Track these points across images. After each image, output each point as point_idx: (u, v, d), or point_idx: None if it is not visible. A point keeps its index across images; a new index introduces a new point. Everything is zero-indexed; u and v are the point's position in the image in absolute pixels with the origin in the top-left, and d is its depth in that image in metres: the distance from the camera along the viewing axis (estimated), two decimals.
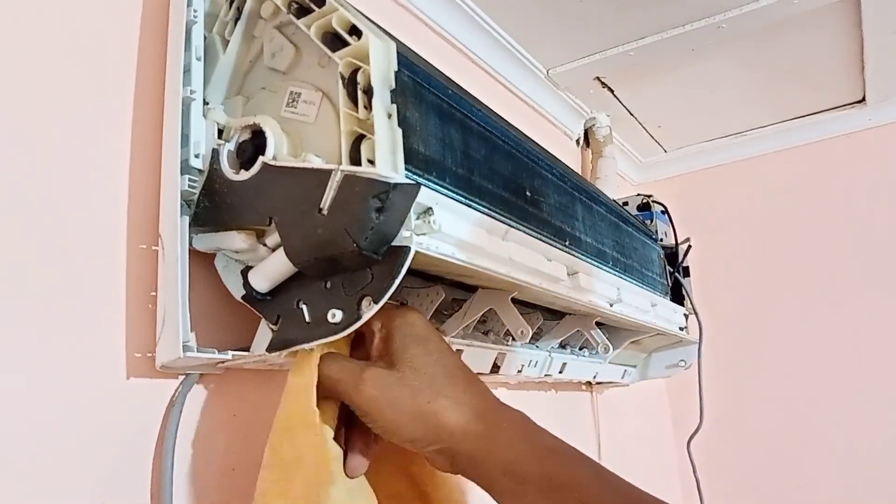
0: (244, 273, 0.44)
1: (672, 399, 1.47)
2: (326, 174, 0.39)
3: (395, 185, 0.37)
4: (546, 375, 0.77)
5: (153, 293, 0.44)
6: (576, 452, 0.40)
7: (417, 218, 0.41)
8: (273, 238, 0.43)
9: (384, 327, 0.42)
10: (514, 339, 0.59)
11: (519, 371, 0.71)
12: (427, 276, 0.55)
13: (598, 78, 1.10)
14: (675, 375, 1.06)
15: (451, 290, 0.58)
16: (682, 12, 0.92)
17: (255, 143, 0.44)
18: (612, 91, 1.15)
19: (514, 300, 0.56)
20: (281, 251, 0.41)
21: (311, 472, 0.38)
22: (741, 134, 1.39)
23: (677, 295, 1.01)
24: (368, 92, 0.40)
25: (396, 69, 0.41)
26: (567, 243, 0.62)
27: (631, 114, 1.25)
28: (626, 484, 0.39)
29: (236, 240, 0.43)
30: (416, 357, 0.41)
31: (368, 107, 0.39)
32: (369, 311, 0.38)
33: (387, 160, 0.39)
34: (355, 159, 0.40)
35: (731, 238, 1.43)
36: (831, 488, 1.27)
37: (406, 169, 0.40)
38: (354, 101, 0.40)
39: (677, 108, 1.26)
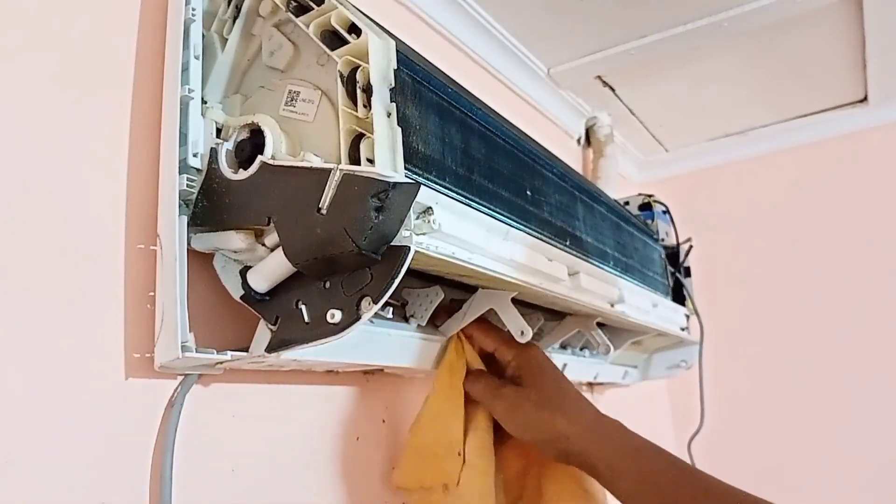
0: (243, 273, 0.44)
1: (673, 400, 1.46)
2: (325, 173, 0.38)
3: (395, 184, 0.37)
4: None
5: (151, 293, 0.44)
6: (660, 450, 0.53)
7: (417, 217, 0.40)
8: (272, 238, 0.43)
9: (514, 359, 0.57)
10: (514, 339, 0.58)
11: None
12: (427, 276, 0.55)
13: (599, 77, 1.10)
14: (676, 376, 1.06)
15: (451, 290, 0.58)
16: (683, 11, 0.92)
17: (253, 142, 0.44)
18: (613, 90, 1.15)
19: (514, 300, 0.56)
20: (280, 251, 0.41)
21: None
22: (743, 133, 1.39)
23: (678, 295, 1.00)
24: (368, 90, 0.39)
25: (396, 67, 0.41)
26: (568, 243, 0.62)
27: (632, 113, 1.25)
28: (702, 474, 0.51)
29: (235, 240, 0.43)
30: (538, 380, 0.56)
31: (368, 105, 0.39)
32: (369, 311, 0.38)
33: (386, 159, 0.39)
34: (354, 158, 0.39)
35: (732, 238, 1.43)
36: (833, 489, 1.27)
37: (406, 168, 0.40)
38: (353, 99, 0.40)
39: (679, 107, 1.25)
